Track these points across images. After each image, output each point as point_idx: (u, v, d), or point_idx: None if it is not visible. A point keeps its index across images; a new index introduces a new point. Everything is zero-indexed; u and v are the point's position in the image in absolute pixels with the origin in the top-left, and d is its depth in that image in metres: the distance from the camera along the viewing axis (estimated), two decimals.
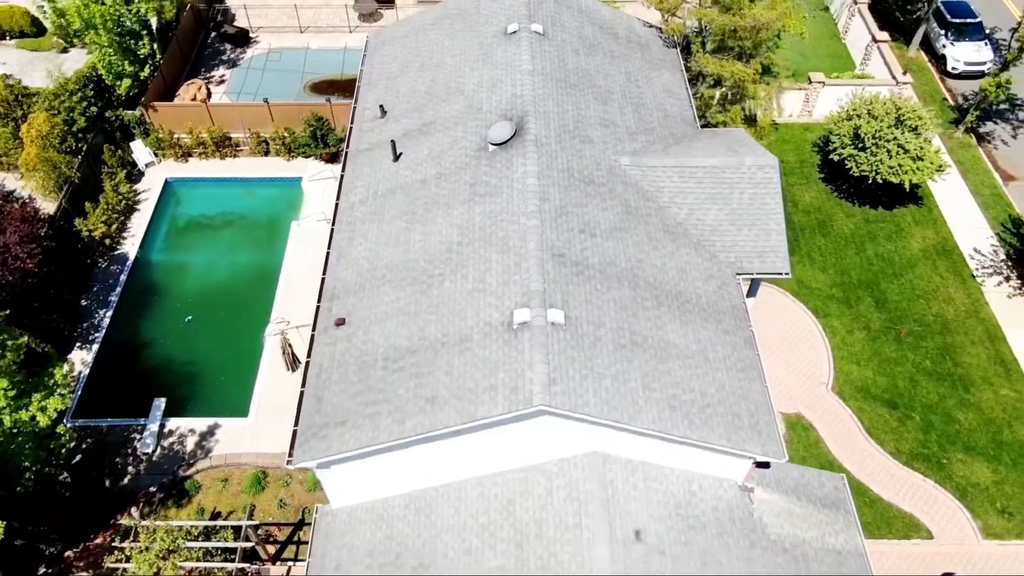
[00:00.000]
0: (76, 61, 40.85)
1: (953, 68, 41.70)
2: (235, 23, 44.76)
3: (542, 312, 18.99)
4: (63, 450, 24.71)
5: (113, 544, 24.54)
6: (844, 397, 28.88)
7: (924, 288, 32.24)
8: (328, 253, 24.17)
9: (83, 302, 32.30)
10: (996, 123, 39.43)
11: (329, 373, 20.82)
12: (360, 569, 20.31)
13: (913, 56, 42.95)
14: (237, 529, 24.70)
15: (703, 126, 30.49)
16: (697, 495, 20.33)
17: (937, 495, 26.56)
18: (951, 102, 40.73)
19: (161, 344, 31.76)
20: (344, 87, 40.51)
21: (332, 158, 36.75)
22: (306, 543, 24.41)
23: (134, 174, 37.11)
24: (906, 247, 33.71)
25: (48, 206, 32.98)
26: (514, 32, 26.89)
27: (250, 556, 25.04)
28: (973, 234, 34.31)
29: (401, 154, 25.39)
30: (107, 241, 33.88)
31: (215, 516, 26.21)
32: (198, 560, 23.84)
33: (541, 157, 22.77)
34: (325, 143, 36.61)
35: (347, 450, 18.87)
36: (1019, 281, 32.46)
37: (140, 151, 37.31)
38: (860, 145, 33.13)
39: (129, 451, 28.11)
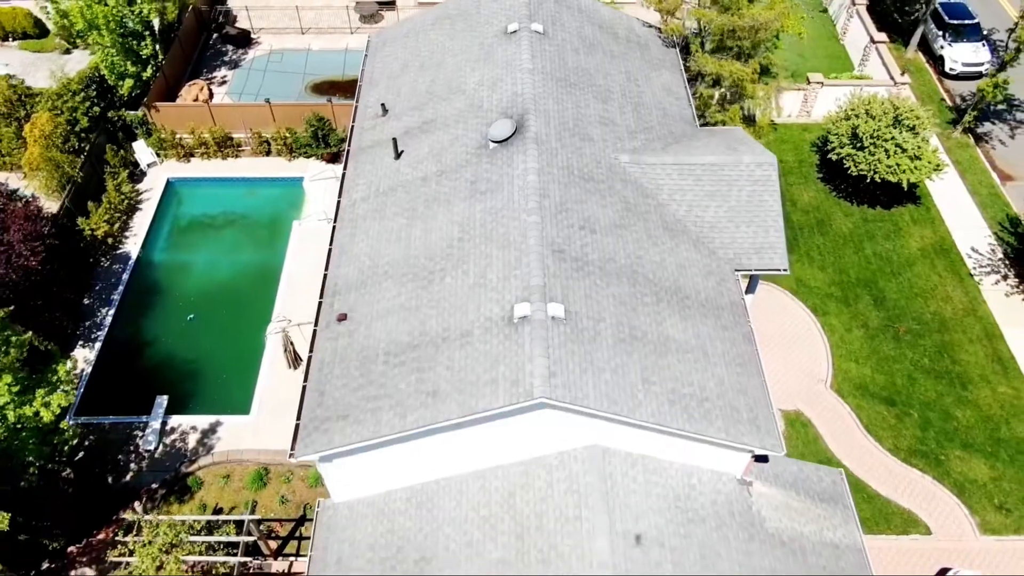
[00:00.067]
0: (79, 62, 41.06)
1: (951, 69, 41.93)
2: (237, 24, 45.01)
3: (542, 306, 19.17)
4: (66, 446, 24.91)
5: (116, 538, 24.67)
6: (843, 394, 29.05)
7: (922, 287, 32.42)
8: (330, 250, 24.36)
9: (85, 301, 32.48)
10: (994, 123, 39.65)
11: (331, 368, 20.98)
12: (362, 562, 20.44)
13: (911, 57, 43.19)
14: (239, 524, 24.85)
15: (702, 125, 30.70)
16: (696, 488, 20.49)
17: (935, 491, 26.72)
18: (949, 103, 40.96)
19: (163, 342, 31.94)
20: (345, 88, 40.74)
21: (333, 158, 36.96)
22: (308, 539, 24.58)
23: (136, 174, 37.33)
24: (904, 246, 33.90)
25: (51, 205, 33.20)
26: (514, 32, 27.10)
27: (252, 551, 25.19)
28: (971, 233, 34.51)
29: (402, 152, 25.59)
30: (109, 240, 34.08)
31: (217, 512, 26.36)
32: (201, 554, 23.97)
33: (541, 154, 22.97)
34: (326, 143, 36.83)
35: (349, 443, 19.03)
36: (1017, 280, 32.65)
37: (142, 151, 37.54)
38: (858, 144, 33.35)
39: (131, 448, 28.27)
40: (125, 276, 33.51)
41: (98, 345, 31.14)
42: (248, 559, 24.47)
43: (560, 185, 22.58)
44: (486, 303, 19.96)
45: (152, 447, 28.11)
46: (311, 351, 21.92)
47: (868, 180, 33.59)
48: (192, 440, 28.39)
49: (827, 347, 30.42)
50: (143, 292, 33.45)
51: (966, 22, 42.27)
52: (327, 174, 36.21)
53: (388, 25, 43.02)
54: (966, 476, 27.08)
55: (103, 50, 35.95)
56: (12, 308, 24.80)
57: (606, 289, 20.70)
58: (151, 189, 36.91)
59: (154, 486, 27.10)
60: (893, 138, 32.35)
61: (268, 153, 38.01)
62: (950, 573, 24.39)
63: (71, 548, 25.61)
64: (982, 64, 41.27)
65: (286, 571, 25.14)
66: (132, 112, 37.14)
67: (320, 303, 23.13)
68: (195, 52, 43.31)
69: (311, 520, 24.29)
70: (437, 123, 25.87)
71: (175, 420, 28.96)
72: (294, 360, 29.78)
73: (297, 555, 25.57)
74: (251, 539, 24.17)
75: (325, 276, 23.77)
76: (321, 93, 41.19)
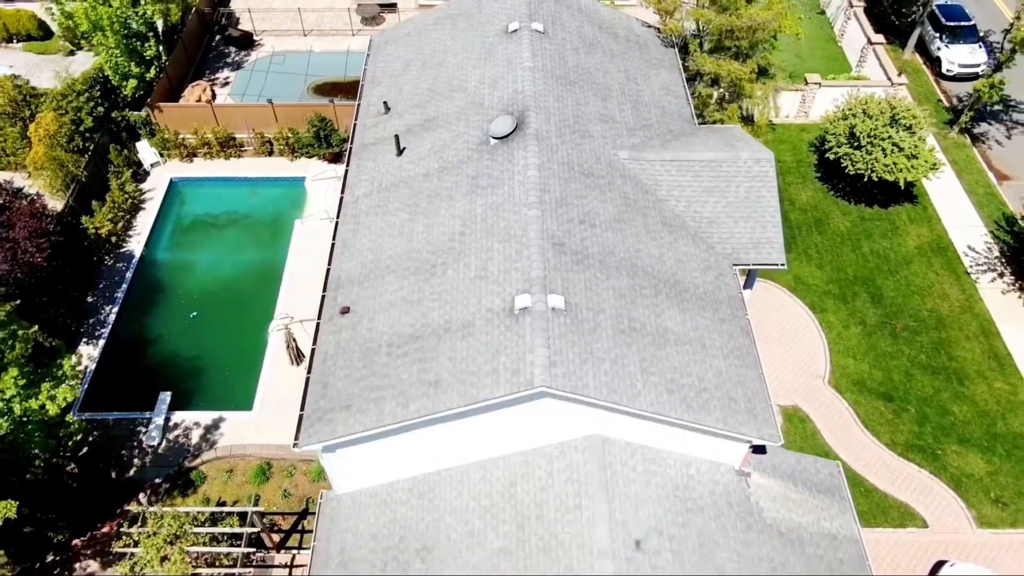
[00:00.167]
0: (82, 64, 41.44)
1: (948, 70, 42.28)
2: (239, 26, 45.37)
3: (543, 298, 19.44)
4: (72, 440, 25.15)
5: (121, 529, 24.89)
6: (840, 390, 29.30)
7: (919, 284, 32.70)
8: (333, 245, 24.62)
9: (89, 298, 32.75)
10: (990, 124, 39.98)
11: (334, 360, 21.24)
12: (364, 552, 20.69)
13: (908, 59, 43.53)
14: (243, 516, 25.07)
15: (700, 125, 30.98)
16: (695, 479, 20.73)
17: (932, 485, 26.96)
18: (946, 103, 41.31)
19: (166, 340, 32.20)
20: (347, 89, 41.10)
21: (335, 158, 37.27)
22: (310, 532, 24.82)
23: (140, 174, 37.64)
24: (901, 244, 34.19)
25: (55, 204, 33.47)
26: (515, 31, 27.43)
27: (255, 543, 25.41)
28: (967, 232, 34.80)
29: (404, 149, 25.89)
30: (113, 239, 34.34)
31: (220, 506, 26.57)
32: (204, 545, 24.19)
33: (542, 150, 23.27)
34: (328, 143, 37.13)
35: (352, 433, 19.27)
36: (1013, 277, 32.93)
37: (146, 151, 37.85)
38: (855, 144, 33.66)
39: (135, 444, 28.50)
40: (129, 274, 33.77)
41: (102, 342, 31.39)
42: (252, 550, 24.65)
43: (560, 180, 22.88)
44: (487, 295, 20.24)
45: (155, 443, 28.34)
46: (314, 344, 22.17)
47: (865, 179, 33.90)
48: (195, 436, 28.62)
49: (825, 344, 30.68)
50: (146, 290, 33.72)
51: (963, 24, 42.66)
52: (329, 174, 36.56)
53: (389, 27, 43.34)
54: (963, 470, 27.32)
55: (107, 51, 36.29)
56: (19, 302, 25.02)
57: (606, 282, 20.98)
58: (154, 189, 37.20)
59: (157, 481, 27.33)
60: (890, 137, 32.67)
61: (270, 153, 38.32)
62: (947, 565, 24.62)
63: (75, 541, 25.84)
64: (979, 65, 41.63)
65: (289, 563, 25.37)
66: (136, 112, 37.45)
67: (323, 297, 23.40)
68: (198, 54, 43.68)
69: (313, 513, 24.53)
70: (439, 120, 26.18)
71: (178, 416, 29.19)
72: (296, 357, 30.03)
73: (300, 548, 25.80)
74: (254, 530, 24.38)
75: (328, 271, 24.03)
76: (323, 94, 41.51)
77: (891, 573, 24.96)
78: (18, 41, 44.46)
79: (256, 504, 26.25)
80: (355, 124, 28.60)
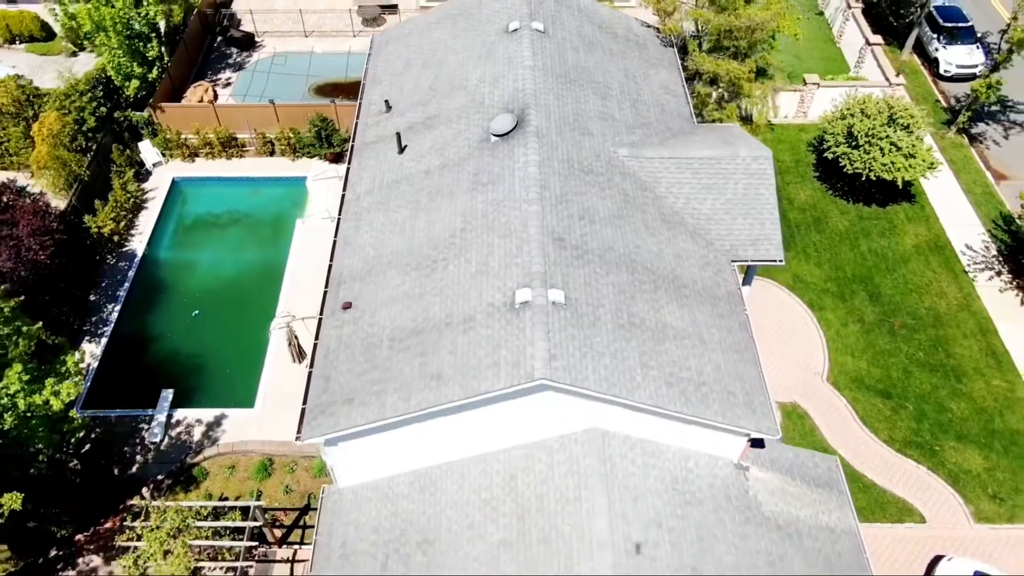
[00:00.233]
0: (85, 65, 41.65)
1: (945, 71, 42.51)
2: (241, 27, 45.63)
3: (543, 292, 19.63)
4: (75, 436, 25.29)
5: (125, 523, 25.05)
6: (839, 387, 29.48)
7: (917, 283, 32.89)
8: (335, 242, 24.81)
9: (92, 297, 32.94)
10: (988, 124, 40.21)
11: (336, 354, 21.43)
12: (366, 545, 20.85)
13: (906, 59, 43.75)
14: (245, 511, 25.23)
15: (699, 123, 31.18)
16: (693, 472, 20.90)
17: (930, 481, 27.12)
18: (944, 104, 41.53)
19: (168, 338, 32.38)
20: (348, 90, 41.30)
21: (336, 158, 37.48)
22: (312, 527, 24.93)
23: (142, 173, 37.84)
24: (899, 243, 34.39)
25: (58, 203, 33.65)
26: (515, 30, 27.65)
27: (257, 538, 25.55)
28: (965, 231, 35.00)
29: (406, 146, 26.10)
30: (115, 238, 34.54)
31: (223, 501, 26.72)
32: (207, 539, 24.34)
33: (542, 147, 23.47)
34: (329, 143, 37.34)
35: (354, 426, 19.45)
36: (1011, 276, 33.12)
37: (148, 151, 38.05)
38: (853, 143, 33.87)
39: (137, 441, 28.66)
40: (131, 273, 33.96)
41: (104, 340, 31.56)
42: (254, 543, 24.80)
43: (560, 177, 23.07)
44: (488, 289, 20.42)
45: (158, 439, 28.50)
46: (316, 339, 22.35)
47: (863, 178, 34.12)
48: (197, 433, 28.79)
49: (823, 341, 30.86)
50: (149, 289, 33.92)
51: (960, 25, 42.89)
52: (330, 174, 36.74)
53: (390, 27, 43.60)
54: (960, 466, 27.49)
55: (110, 51, 36.50)
56: (23, 297, 25.22)
57: (605, 277, 21.16)
58: (156, 188, 37.41)
59: (160, 477, 27.49)
60: (888, 136, 32.88)
61: (272, 153, 38.54)
62: (944, 560, 24.78)
63: (78, 536, 25.99)
64: (976, 66, 41.86)
65: (290, 558, 25.52)
66: (138, 113, 37.70)
67: (325, 293, 23.58)
68: (200, 55, 43.93)
69: (315, 509, 24.65)
70: (440, 118, 26.39)
71: (180, 413, 29.36)
72: (298, 354, 30.12)
73: (301, 543, 25.96)
74: (257, 524, 24.53)
75: (330, 267, 24.22)
76: (324, 95, 41.70)
77: (889, 568, 25.11)
78: (21, 42, 44.72)
79: (258, 498, 26.42)
80: (357, 122, 28.82)
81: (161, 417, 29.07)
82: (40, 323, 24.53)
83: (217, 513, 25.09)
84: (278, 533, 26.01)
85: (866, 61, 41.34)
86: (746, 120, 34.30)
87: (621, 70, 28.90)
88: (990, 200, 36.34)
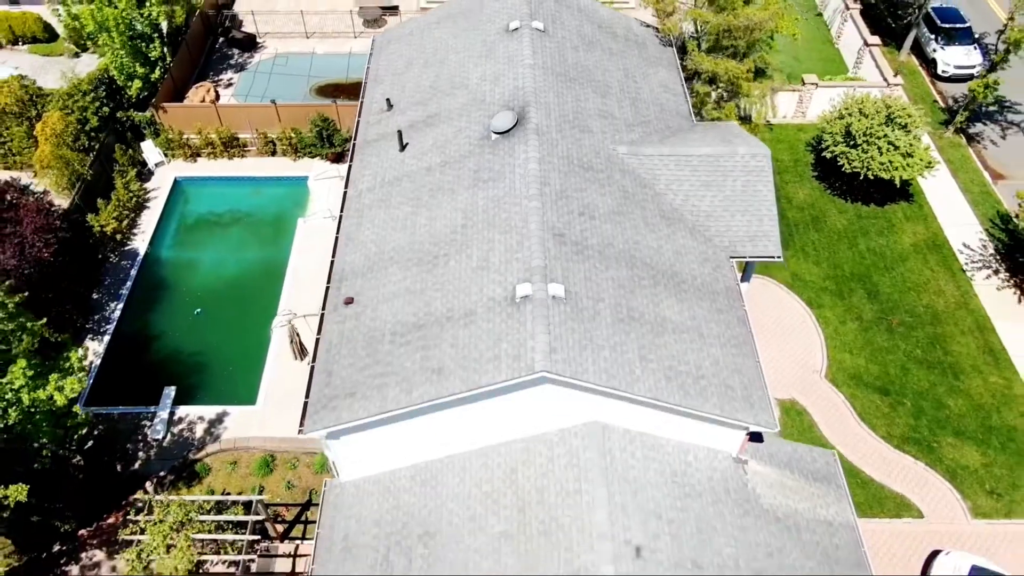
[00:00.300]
0: (87, 65, 41.87)
1: (943, 71, 42.75)
2: (243, 29, 45.88)
3: (543, 286, 19.82)
4: (78, 432, 25.47)
5: (128, 517, 25.22)
6: (837, 384, 29.66)
7: (915, 281, 33.09)
8: (337, 238, 25.00)
9: (94, 295, 33.13)
10: (985, 124, 40.45)
11: (338, 349, 21.60)
12: (368, 538, 21.01)
13: (904, 60, 44.01)
14: (247, 506, 25.39)
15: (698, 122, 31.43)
16: (692, 465, 21.08)
17: (927, 477, 27.30)
18: (941, 104, 41.75)
19: (171, 336, 32.57)
20: (349, 90, 41.50)
21: (337, 158, 37.69)
22: (313, 523, 25.11)
23: (144, 173, 38.06)
24: (897, 242, 34.59)
25: (61, 202, 33.85)
26: (516, 29, 27.87)
27: (260, 533, 25.70)
28: (963, 230, 35.20)
29: (407, 144, 26.30)
30: (118, 237, 34.74)
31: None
32: (210, 532, 24.50)
33: (542, 144, 23.68)
34: (331, 143, 37.55)
35: (356, 419, 19.62)
36: (1008, 274, 33.32)
37: (150, 151, 38.27)
38: (852, 142, 34.09)
39: (140, 437, 28.83)
40: (133, 271, 34.15)
41: (107, 338, 31.74)
42: (257, 537, 24.96)
43: (560, 174, 23.28)
44: (489, 284, 20.62)
45: (160, 436, 28.66)
46: (319, 334, 22.54)
47: (862, 177, 34.31)
48: (199, 430, 28.95)
49: (822, 339, 31.05)
50: (151, 287, 34.13)
51: (958, 26, 43.15)
52: (331, 173, 36.98)
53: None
54: (958, 462, 27.66)
55: (113, 52, 36.72)
56: (27, 293, 25.40)
57: (605, 272, 21.36)
58: (159, 188, 37.63)
59: (162, 473, 27.65)
60: (886, 136, 33.10)
61: (273, 153, 38.76)
62: (942, 554, 24.95)
63: (81, 531, 26.15)
64: (974, 67, 42.10)
65: (292, 553, 25.68)
66: (140, 113, 37.94)
67: (327, 288, 23.76)
68: (202, 55, 44.17)
69: (317, 505, 24.85)
70: (441, 116, 26.60)
71: (183, 410, 29.52)
72: (300, 351, 30.37)
73: (303, 538, 26.12)
74: (259, 518, 24.69)
75: (332, 263, 24.40)
76: (325, 95, 41.89)
77: (887, 562, 25.27)
78: (24, 43, 44.99)
79: (260, 494, 26.56)
80: (358, 121, 29.02)
81: (163, 414, 29.24)
82: (44, 319, 24.70)
83: (220, 507, 25.24)
84: (280, 528, 26.18)
85: (864, 62, 41.60)
86: (745, 120, 34.55)
87: (620, 69, 29.13)
88: (987, 199, 36.56)
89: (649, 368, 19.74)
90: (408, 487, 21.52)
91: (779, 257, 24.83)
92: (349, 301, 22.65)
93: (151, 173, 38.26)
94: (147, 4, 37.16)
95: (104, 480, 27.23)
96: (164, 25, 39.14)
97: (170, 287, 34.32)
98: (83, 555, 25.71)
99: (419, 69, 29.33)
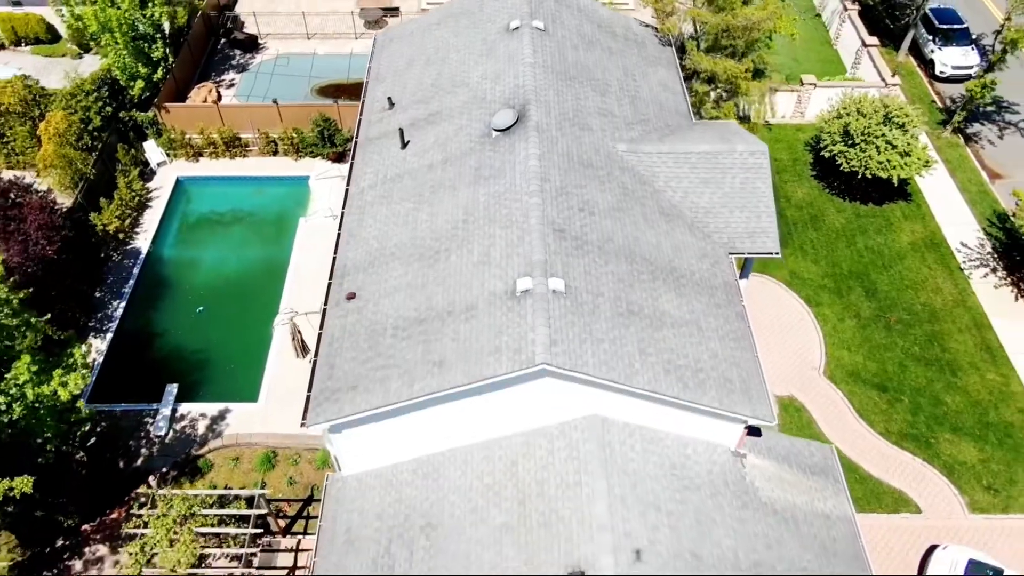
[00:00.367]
0: (90, 66, 42.04)
1: (941, 72, 43.03)
2: (244, 30, 46.13)
3: (543, 280, 20.02)
4: (82, 427, 25.61)
5: (131, 511, 25.39)
6: (835, 381, 29.86)
7: (913, 279, 33.30)
8: (339, 235, 25.21)
9: (97, 293, 33.31)
10: (983, 124, 40.70)
11: (341, 343, 21.80)
12: (370, 531, 21.19)
13: (902, 61, 44.27)
14: (250, 500, 25.57)
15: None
16: (691, 458, 21.25)
17: (925, 472, 27.48)
18: (939, 104, 42.00)
19: (173, 334, 32.77)
20: (350, 91, 41.70)
21: (339, 157, 37.90)
22: (315, 518, 25.28)
23: (147, 173, 38.24)
24: (895, 240, 34.81)
25: (64, 201, 34.08)
26: (516, 28, 28.11)
27: (262, 527, 25.87)
28: (960, 229, 35.42)
29: (409, 142, 26.52)
30: (120, 236, 34.96)
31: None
32: (213, 526, 24.67)
33: (542, 142, 23.89)
34: (332, 143, 37.77)
35: (358, 411, 19.81)
36: (1005, 272, 33.54)
37: (152, 151, 38.48)
38: (850, 142, 34.32)
39: (142, 434, 29.00)
40: (136, 270, 34.35)
41: (109, 336, 31.92)
42: (259, 531, 25.13)
43: (560, 170, 23.50)
44: (490, 279, 20.82)
45: (163, 433, 28.83)
46: (321, 328, 22.73)
47: (860, 176, 34.52)
48: (201, 426, 29.12)
49: (820, 336, 31.26)
50: (153, 285, 34.32)
51: (955, 27, 43.45)
52: (332, 173, 37.21)
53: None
54: (955, 458, 27.85)
55: (115, 52, 36.94)
56: (31, 290, 25.60)
57: (605, 267, 21.57)
58: (161, 187, 37.84)
59: (164, 469, 27.81)
60: (883, 135, 33.33)
61: (275, 153, 38.97)
62: (939, 548, 25.12)
63: (85, 526, 26.31)
64: (971, 67, 42.38)
65: (295, 547, 25.85)
66: (143, 113, 38.14)
67: (329, 284, 23.96)
68: (204, 56, 44.42)
69: (318, 500, 25.02)
70: (442, 114, 26.83)
71: (185, 407, 29.69)
72: (302, 349, 30.54)
73: (305, 533, 26.28)
74: (262, 512, 24.86)
75: (334, 259, 24.60)
76: (327, 96, 42.09)
77: (885, 556, 25.44)
78: (26, 44, 45.23)
79: (263, 486, 26.75)
80: (360, 119, 29.25)
81: (166, 411, 29.42)
82: (48, 315, 24.88)
83: (222, 502, 25.42)
84: (282, 523, 26.33)
85: (863, 62, 41.84)
86: (744, 119, 34.78)
87: (620, 68, 29.36)
88: (985, 198, 36.79)
89: (648, 361, 19.93)
90: (410, 480, 21.70)
91: (777, 253, 25.05)
92: (351, 296, 22.85)
93: (153, 172, 38.48)
94: (150, 5, 37.41)
95: (107, 476, 27.38)
96: (166, 26, 39.38)
97: (172, 285, 34.53)
98: (86, 550, 25.87)
99: (420, 68, 29.57)
